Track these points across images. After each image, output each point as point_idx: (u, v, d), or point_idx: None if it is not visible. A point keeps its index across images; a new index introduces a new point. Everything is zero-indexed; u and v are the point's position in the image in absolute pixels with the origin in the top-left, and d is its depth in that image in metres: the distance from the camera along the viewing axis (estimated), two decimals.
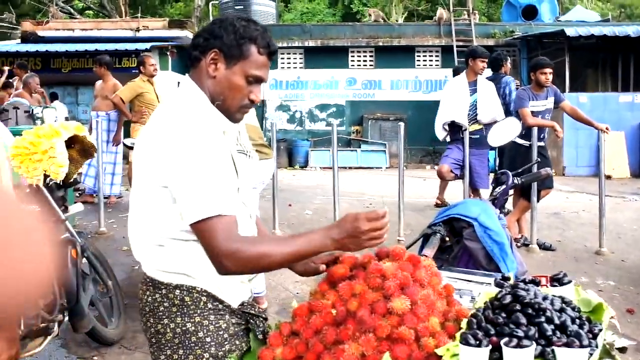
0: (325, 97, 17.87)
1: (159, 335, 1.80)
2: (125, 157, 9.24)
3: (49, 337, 3.57)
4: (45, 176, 3.58)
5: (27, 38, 16.94)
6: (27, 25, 17.41)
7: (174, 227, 1.75)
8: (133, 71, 15.30)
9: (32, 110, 8.61)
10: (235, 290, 1.88)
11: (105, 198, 8.03)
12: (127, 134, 8.64)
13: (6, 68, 11.10)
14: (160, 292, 1.80)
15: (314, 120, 18.17)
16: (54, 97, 14.95)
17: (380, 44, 17.44)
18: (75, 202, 5.48)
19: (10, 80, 11.98)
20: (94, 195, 8.79)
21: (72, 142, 3.71)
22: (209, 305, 1.81)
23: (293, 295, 5.18)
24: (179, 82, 1.96)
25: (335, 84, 17.90)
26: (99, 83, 9.14)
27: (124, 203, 9.20)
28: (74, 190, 6.28)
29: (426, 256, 2.31)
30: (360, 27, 17.98)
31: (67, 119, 11.59)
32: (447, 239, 2.78)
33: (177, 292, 1.79)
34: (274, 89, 17.72)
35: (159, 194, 1.74)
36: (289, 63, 17.76)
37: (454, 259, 2.77)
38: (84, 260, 4.11)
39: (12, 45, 17.16)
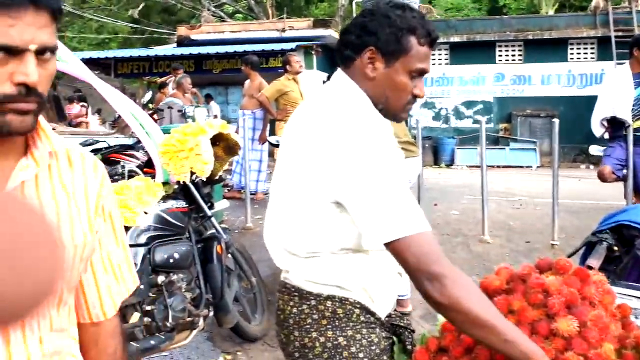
0: (472, 93, 17.33)
1: (305, 349, 1.65)
2: (271, 155, 9.41)
3: (195, 331, 3.64)
4: (192, 173, 3.65)
5: (181, 42, 17.92)
6: (182, 30, 18.41)
7: (335, 241, 1.61)
8: (279, 70, 15.63)
9: (185, 109, 8.99)
10: (385, 301, 1.73)
11: (251, 194, 8.23)
12: (273, 132, 8.80)
13: (172, 77, 11.74)
14: (308, 303, 1.65)
15: (459, 117, 17.70)
16: (209, 97, 15.68)
17: (530, 37, 16.62)
18: (223, 198, 5.62)
19: (166, 82, 12.68)
20: (241, 191, 9.04)
21: (218, 140, 3.75)
22: (362, 318, 1.66)
23: None
24: (324, 81, 1.81)
25: (482, 79, 17.31)
26: (247, 82, 9.38)
27: None
28: (223, 186, 6.46)
29: (591, 267, 2.05)
30: (508, 20, 17.25)
31: (215, 117, 12.08)
32: (616, 248, 2.48)
33: (329, 303, 1.64)
34: None
35: (320, 206, 1.59)
36: (434, 59, 17.37)
37: (623, 271, 2.46)
38: (229, 256, 4.16)
39: (169, 49, 18.22)
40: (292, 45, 15.46)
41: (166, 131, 7.72)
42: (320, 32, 16.83)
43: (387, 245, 1.48)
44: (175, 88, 10.31)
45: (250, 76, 9.31)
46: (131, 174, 3.85)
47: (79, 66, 3.69)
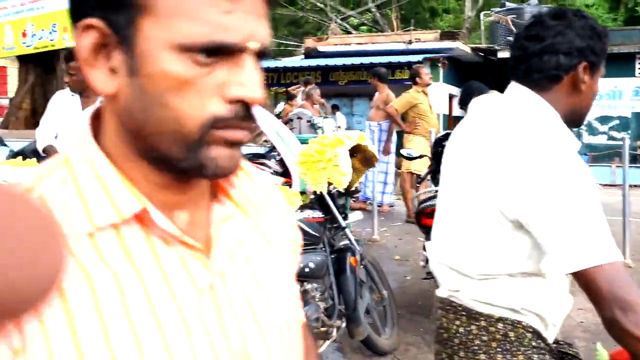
0: (607, 108, 16.43)
1: None
2: (398, 167, 9.35)
3: (328, 341, 3.65)
4: (329, 184, 3.67)
5: (309, 54, 18.28)
6: (309, 42, 18.78)
7: (513, 264, 1.54)
8: (405, 83, 15.62)
9: (313, 120, 9.13)
10: (556, 327, 1.63)
11: (378, 206, 8.22)
12: (400, 145, 8.74)
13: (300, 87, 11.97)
14: (477, 324, 1.58)
15: (593, 133, 16.83)
16: (335, 108, 15.87)
17: None
18: (350, 208, 5.64)
19: (294, 93, 12.97)
20: (367, 202, 9.05)
21: (355, 151, 3.75)
22: (533, 343, 1.57)
23: (576, 324, 4.71)
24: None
25: (619, 94, 16.38)
26: (376, 94, 9.39)
27: (396, 212, 9.34)
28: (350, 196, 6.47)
29: None
30: None
31: (339, 127, 12.18)
32: None
33: (500, 325, 1.56)
34: None
35: (498, 226, 1.52)
36: None
37: None
38: (361, 267, 4.15)
39: (297, 60, 18.65)
40: (419, 57, 15.36)
41: (301, 141, 7.93)
42: (447, 44, 16.59)
43: (575, 274, 1.40)
44: (304, 99, 10.50)
45: (378, 88, 9.31)
46: None
47: None
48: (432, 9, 32.72)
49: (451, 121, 16.95)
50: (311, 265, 3.64)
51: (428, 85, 8.54)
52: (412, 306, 5.28)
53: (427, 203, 4.36)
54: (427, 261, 4.44)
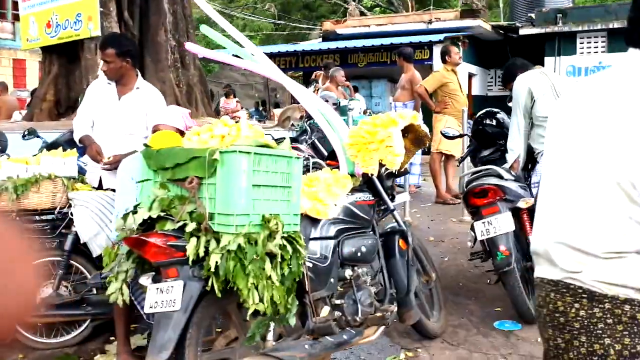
0: None
1: (594, 356, 1.50)
2: (427, 147, 9.24)
3: (382, 327, 3.58)
4: (380, 165, 3.59)
5: (327, 36, 18.12)
6: (327, 25, 18.61)
7: None
8: (425, 63, 15.50)
9: (339, 102, 9.01)
10: None
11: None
12: (429, 125, 8.62)
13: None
14: (601, 306, 1.49)
15: None
16: (354, 90, 15.73)
17: None
18: None
19: (316, 79, 12.90)
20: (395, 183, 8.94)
21: (406, 132, 3.67)
22: None
23: None
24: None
25: None
26: (403, 75, 9.26)
27: (423, 193, 9.24)
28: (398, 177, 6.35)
29: None
30: None
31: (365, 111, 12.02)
32: None
33: (627, 307, 1.47)
34: (571, 76, 16.49)
35: (632, 201, 1.45)
36: (589, 48, 16.38)
37: None
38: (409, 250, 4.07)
39: (315, 44, 18.50)
40: (440, 36, 15.16)
41: None
42: (468, 22, 16.35)
43: None
44: (328, 82, 10.39)
45: (404, 68, 9.18)
46: (315, 167, 3.86)
47: (269, 66, 3.76)
48: None
49: (470, 100, 16.73)
50: (363, 249, 3.57)
51: (458, 64, 8.41)
52: (453, 287, 5.20)
53: (476, 182, 4.27)
54: (475, 241, 4.36)
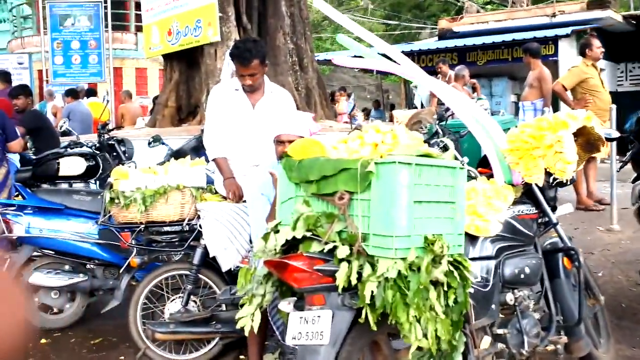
0: None
1: None
2: None
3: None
4: (547, 174, 3.10)
5: (443, 35, 17.48)
6: (443, 23, 17.97)
7: None
8: (550, 59, 14.56)
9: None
10: None
11: None
12: None
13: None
14: None
15: None
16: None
17: None
18: None
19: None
20: None
21: (576, 135, 3.15)
22: None
23: None
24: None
25: None
26: (530, 72, 8.58)
27: (560, 198, 8.49)
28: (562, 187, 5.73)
29: None
30: None
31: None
32: None
33: None
34: None
35: None
36: None
37: None
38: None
39: (431, 42, 17.93)
40: (567, 30, 14.20)
41: (455, 126, 7.28)
42: (596, 14, 15.23)
43: None
44: (453, 80, 9.86)
45: (531, 65, 8.50)
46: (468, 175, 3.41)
47: (407, 64, 3.37)
48: None
49: None
50: (526, 270, 3.09)
51: (598, 59, 7.65)
52: (615, 309, 4.56)
53: None
54: None
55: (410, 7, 33.09)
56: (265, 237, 2.45)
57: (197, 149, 4.97)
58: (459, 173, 2.43)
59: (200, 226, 3.72)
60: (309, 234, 2.34)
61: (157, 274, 3.83)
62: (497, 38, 14.94)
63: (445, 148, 5.40)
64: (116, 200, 3.65)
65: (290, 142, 3.42)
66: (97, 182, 5.62)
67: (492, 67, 15.96)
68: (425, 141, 6.18)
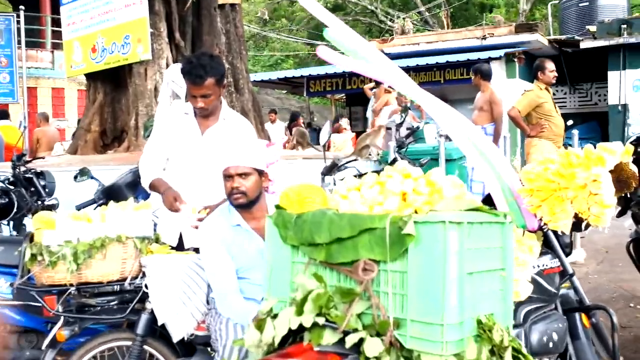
0: None
1: None
2: None
3: None
4: (578, 220, 2.59)
5: None
6: (374, 45, 17.72)
7: None
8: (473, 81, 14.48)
9: (413, 127, 8.00)
10: None
11: None
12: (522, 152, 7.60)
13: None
14: None
15: None
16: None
17: None
18: None
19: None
20: None
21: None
22: None
23: None
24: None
25: None
26: (479, 94, 8.26)
27: None
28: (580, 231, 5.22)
29: None
30: None
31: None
32: None
33: None
34: (639, 91, 15.37)
35: None
36: None
37: None
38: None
39: None
40: (500, 52, 14.20)
41: (414, 153, 6.81)
42: (524, 37, 15.33)
43: None
44: (394, 103, 9.45)
45: (480, 87, 8.18)
46: None
47: (399, 74, 2.77)
48: (482, 5, 31.51)
49: None
50: (554, 337, 2.58)
51: (551, 82, 7.37)
52: None
53: None
54: None
55: None
56: (260, 325, 1.80)
57: (134, 185, 4.22)
58: (507, 229, 1.87)
59: (145, 286, 3.00)
60: (321, 321, 1.71)
61: (91, 346, 3.05)
62: (431, 60, 14.76)
63: None
64: (39, 257, 2.88)
65: (241, 175, 2.81)
66: (10, 224, 4.75)
67: (426, 89, 15.76)
68: (379, 172, 5.71)
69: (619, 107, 15.55)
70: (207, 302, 3.05)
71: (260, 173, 2.87)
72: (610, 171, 2.72)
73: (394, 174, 1.84)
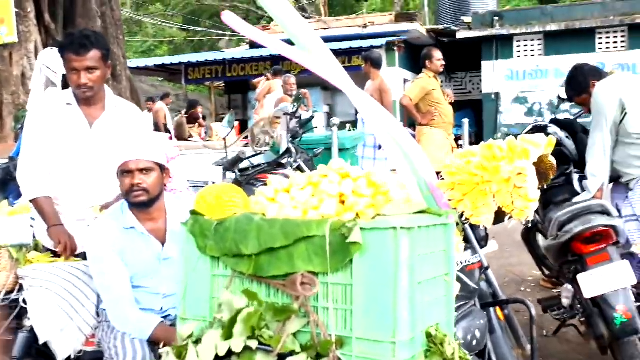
0: None
1: None
2: None
3: None
4: (499, 214, 2.49)
5: (254, 44, 16.90)
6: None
7: None
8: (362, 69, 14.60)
9: (301, 116, 7.78)
10: None
11: None
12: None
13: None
14: None
15: (555, 113, 16.31)
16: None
17: (638, 21, 15.12)
18: None
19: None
20: None
21: None
22: None
23: None
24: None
25: None
26: (369, 82, 8.20)
27: None
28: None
29: None
30: (612, 4, 15.69)
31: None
32: None
33: None
34: (509, 80, 16.14)
35: None
36: (526, 51, 16.06)
37: None
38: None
39: (243, 51, 17.30)
40: (382, 41, 14.35)
41: (307, 143, 6.61)
42: (404, 26, 15.63)
43: None
44: (282, 93, 9.23)
45: (370, 75, 8.13)
46: None
47: (329, 61, 2.56)
48: None
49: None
50: (477, 334, 2.49)
51: (439, 70, 7.42)
52: None
53: (586, 225, 3.21)
54: (577, 300, 3.35)
55: (210, 15, 32.26)
56: (180, 352, 1.53)
57: (3, 184, 3.74)
58: (450, 230, 1.72)
59: (24, 301, 2.61)
60: (254, 345, 1.47)
61: None
62: None
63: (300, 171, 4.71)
64: None
65: (142, 170, 2.51)
66: None
67: (305, 77, 15.65)
68: (276, 162, 5.45)
69: (492, 96, 16.24)
70: (98, 315, 2.72)
71: (162, 168, 2.57)
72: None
73: (329, 173, 1.62)
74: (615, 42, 15.76)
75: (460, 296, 2.47)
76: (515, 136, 2.53)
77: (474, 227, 2.77)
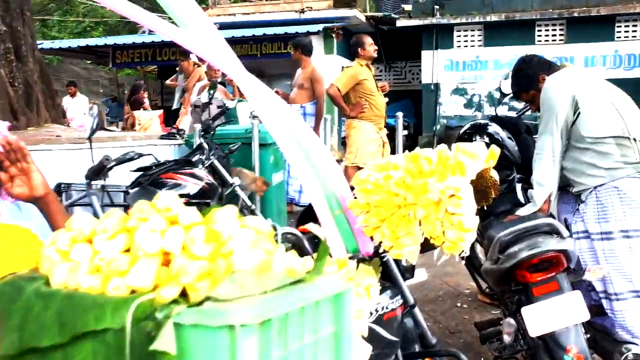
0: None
1: None
2: (338, 159, 7.69)
3: None
4: (427, 245, 1.94)
5: None
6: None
7: None
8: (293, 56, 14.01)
9: (226, 105, 7.12)
10: None
11: (298, 205, 7.02)
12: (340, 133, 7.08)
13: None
14: None
15: (494, 104, 16.11)
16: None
17: (575, 15, 15.01)
18: None
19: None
20: (293, 203, 7.41)
21: None
22: None
23: None
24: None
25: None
26: (299, 70, 7.62)
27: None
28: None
29: None
30: None
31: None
32: None
33: None
34: (449, 71, 15.84)
35: None
36: (466, 41, 15.79)
37: None
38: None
39: None
40: (319, 27, 13.77)
41: (223, 137, 5.91)
42: (343, 12, 15.10)
43: None
44: (205, 79, 8.52)
45: (301, 62, 7.55)
46: (289, 240, 2.11)
47: (215, 43, 1.93)
48: None
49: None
50: None
51: (372, 57, 6.90)
52: None
53: (533, 250, 2.68)
54: (520, 335, 2.85)
55: None
56: None
57: None
58: (345, 299, 1.13)
59: None
60: None
61: None
62: (247, 32, 13.97)
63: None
64: None
65: None
66: None
67: (243, 63, 14.99)
68: (185, 159, 4.77)
69: (432, 86, 15.90)
70: None
71: None
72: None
73: (151, 215, 1.01)
74: (554, 35, 15.64)
75: (375, 355, 1.92)
76: (455, 133, 1.99)
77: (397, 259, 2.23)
